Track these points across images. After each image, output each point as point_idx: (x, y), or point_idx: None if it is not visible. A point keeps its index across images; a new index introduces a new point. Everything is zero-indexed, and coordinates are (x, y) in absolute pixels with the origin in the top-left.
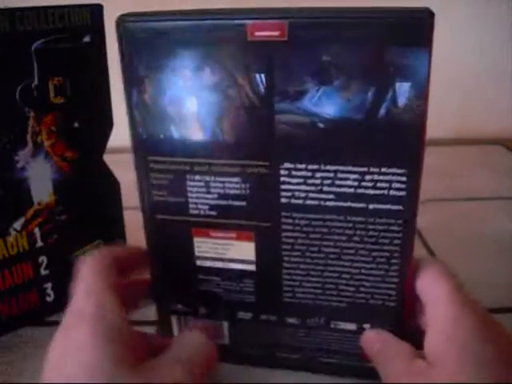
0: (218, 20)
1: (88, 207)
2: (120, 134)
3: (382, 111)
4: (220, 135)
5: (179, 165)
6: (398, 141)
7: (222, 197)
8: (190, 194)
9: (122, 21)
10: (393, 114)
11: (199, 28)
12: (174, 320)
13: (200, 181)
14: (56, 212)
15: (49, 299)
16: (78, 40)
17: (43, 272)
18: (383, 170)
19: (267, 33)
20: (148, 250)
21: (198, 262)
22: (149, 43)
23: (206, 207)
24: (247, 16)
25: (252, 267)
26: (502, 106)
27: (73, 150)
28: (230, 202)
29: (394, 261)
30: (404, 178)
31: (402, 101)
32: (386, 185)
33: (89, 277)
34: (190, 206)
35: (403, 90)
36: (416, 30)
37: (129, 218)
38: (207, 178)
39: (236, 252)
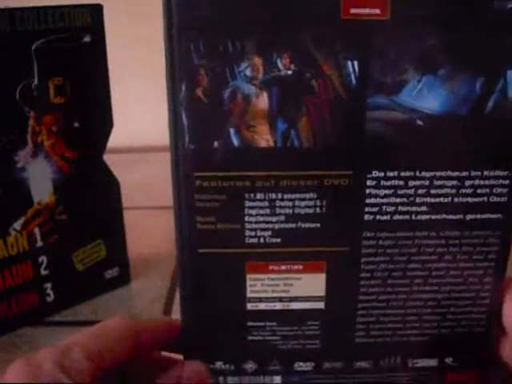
0: None
1: (88, 207)
2: (120, 134)
3: (490, 104)
4: (295, 139)
5: (236, 180)
6: (503, 138)
7: (290, 219)
8: (247, 219)
9: None
10: (501, 108)
11: (279, 1)
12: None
13: (263, 200)
14: (56, 212)
15: (49, 299)
16: (78, 40)
17: (43, 272)
18: (485, 173)
19: (366, 10)
20: (180, 292)
21: (250, 306)
22: (210, 21)
23: (268, 233)
24: None
25: (320, 305)
26: None
27: (73, 150)
28: (301, 225)
29: (487, 279)
30: (507, 182)
31: None
32: (487, 190)
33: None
34: (247, 233)
35: None
36: None
37: (129, 217)
38: (272, 196)
39: (301, 288)
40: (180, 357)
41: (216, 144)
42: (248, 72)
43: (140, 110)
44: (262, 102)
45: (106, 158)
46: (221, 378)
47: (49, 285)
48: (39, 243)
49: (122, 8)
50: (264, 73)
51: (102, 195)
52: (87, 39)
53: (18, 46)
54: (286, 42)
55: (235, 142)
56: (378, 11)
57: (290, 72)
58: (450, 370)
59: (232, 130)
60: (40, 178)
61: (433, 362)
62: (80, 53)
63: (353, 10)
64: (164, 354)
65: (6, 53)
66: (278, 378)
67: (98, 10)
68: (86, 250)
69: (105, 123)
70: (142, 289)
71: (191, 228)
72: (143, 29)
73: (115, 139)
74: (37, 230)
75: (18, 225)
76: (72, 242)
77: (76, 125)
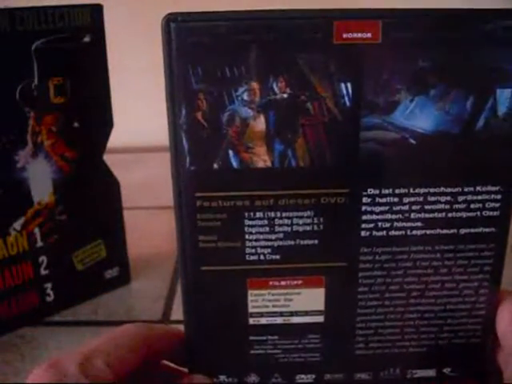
0: (299, 19)
1: (88, 207)
2: (120, 134)
3: (481, 122)
4: (292, 159)
5: (236, 200)
6: (494, 155)
7: (288, 236)
8: (247, 236)
9: (172, 20)
10: (491, 125)
11: (275, 29)
12: None
13: (262, 218)
14: (56, 212)
15: (49, 299)
16: (78, 40)
17: (43, 272)
18: (478, 188)
19: (357, 34)
20: (184, 308)
21: (252, 321)
22: (207, 48)
23: (268, 251)
24: (334, 15)
25: (320, 319)
26: None
27: (73, 149)
28: (299, 242)
29: (482, 291)
30: (498, 196)
31: (502, 110)
32: (480, 205)
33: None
34: (247, 250)
35: (504, 98)
36: None
37: (129, 217)
38: (271, 214)
39: (301, 302)
40: (184, 370)
41: (216, 165)
42: (245, 96)
43: (140, 109)
44: (260, 124)
45: (106, 158)
46: None
47: (49, 285)
48: (39, 243)
49: (122, 8)
50: (261, 96)
51: (102, 195)
52: (87, 39)
53: (18, 46)
54: (281, 66)
55: (234, 163)
56: (369, 35)
57: (285, 95)
58: (449, 380)
59: (231, 152)
60: (40, 178)
61: (431, 373)
62: (80, 53)
63: (345, 35)
64: (168, 364)
65: (6, 53)
66: None
67: (97, 10)
68: (85, 250)
69: (105, 123)
70: (141, 289)
71: (194, 246)
72: (143, 29)
73: (115, 139)
74: (37, 230)
75: (18, 225)
76: (72, 242)
77: (76, 125)
